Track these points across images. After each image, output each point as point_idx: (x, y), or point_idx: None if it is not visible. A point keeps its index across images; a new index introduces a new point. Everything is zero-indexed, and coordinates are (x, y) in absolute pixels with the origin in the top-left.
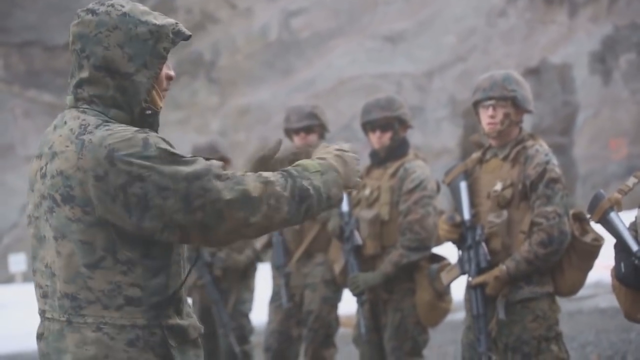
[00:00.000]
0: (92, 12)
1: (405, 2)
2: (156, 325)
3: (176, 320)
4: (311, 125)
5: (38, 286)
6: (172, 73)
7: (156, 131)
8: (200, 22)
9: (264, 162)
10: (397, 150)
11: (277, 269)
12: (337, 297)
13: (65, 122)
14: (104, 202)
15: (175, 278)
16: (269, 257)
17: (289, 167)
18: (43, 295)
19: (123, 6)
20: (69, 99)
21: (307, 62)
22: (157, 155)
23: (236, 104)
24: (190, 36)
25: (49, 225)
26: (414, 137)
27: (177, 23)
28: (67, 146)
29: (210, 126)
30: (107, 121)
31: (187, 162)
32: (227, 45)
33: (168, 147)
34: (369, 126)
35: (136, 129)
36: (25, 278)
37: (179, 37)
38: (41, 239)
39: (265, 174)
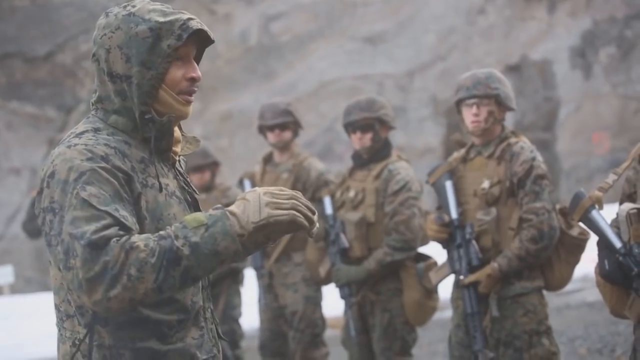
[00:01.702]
0: (106, 14)
1: (384, 3)
2: (123, 346)
3: (149, 344)
4: (285, 122)
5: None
6: (194, 74)
7: (168, 141)
8: None
9: None
10: (380, 151)
11: (255, 270)
12: (319, 296)
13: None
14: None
15: (158, 302)
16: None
17: (173, 225)
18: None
19: (134, 6)
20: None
21: (288, 66)
22: (74, 195)
23: (218, 109)
24: (204, 32)
25: (44, 234)
26: (397, 137)
27: (189, 19)
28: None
29: (192, 132)
30: (96, 129)
31: (88, 217)
32: (207, 51)
33: (87, 197)
34: (350, 127)
35: (88, 155)
36: (13, 290)
37: (186, 32)
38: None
39: (137, 237)
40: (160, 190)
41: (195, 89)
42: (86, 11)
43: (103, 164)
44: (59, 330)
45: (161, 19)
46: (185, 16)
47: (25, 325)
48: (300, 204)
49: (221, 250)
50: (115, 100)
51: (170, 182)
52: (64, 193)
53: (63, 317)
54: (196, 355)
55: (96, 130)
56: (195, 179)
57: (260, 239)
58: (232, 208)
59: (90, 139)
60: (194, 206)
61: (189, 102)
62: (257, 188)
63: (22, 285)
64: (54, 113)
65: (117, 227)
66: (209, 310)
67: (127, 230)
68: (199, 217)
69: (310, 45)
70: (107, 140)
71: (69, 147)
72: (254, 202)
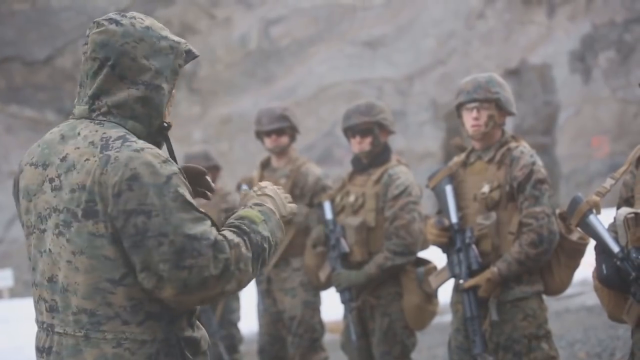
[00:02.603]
0: (116, 22)
1: (384, 7)
2: (173, 338)
3: (190, 333)
4: (282, 128)
5: (41, 299)
6: (175, 91)
7: (170, 146)
8: (180, 33)
9: None
10: (379, 156)
11: None
12: (317, 301)
13: (79, 134)
14: (112, 220)
15: None
16: None
17: (236, 222)
18: (50, 310)
19: (144, 20)
20: (80, 109)
21: (288, 70)
22: (172, 198)
23: (218, 113)
24: (198, 56)
25: (65, 239)
26: (397, 141)
27: (186, 43)
28: (88, 159)
29: (192, 136)
30: (126, 135)
31: (195, 219)
32: (207, 55)
33: (186, 195)
34: (349, 132)
35: (163, 158)
36: (12, 294)
37: (190, 56)
38: (45, 252)
39: (228, 234)
40: None
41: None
42: (85, 15)
43: (177, 166)
44: (85, 335)
45: (175, 39)
46: (182, 39)
47: (25, 329)
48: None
49: (278, 241)
50: (135, 107)
51: None
52: (158, 196)
53: (101, 321)
54: (209, 342)
55: (127, 134)
56: None
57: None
58: (269, 206)
59: (144, 143)
60: None
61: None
62: (266, 182)
63: (22, 289)
64: (54, 117)
65: (214, 226)
66: None
67: (215, 225)
68: (256, 213)
69: (310, 49)
70: (151, 145)
71: (136, 150)
72: (277, 198)
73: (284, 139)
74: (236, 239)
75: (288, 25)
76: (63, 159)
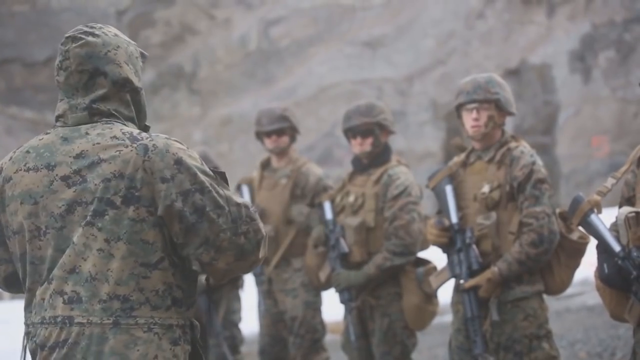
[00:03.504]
0: (91, 34)
1: (383, 8)
2: (187, 325)
3: (196, 322)
4: (283, 128)
5: (56, 293)
6: None
7: None
8: (180, 34)
9: None
10: (380, 156)
11: (255, 277)
12: (318, 301)
13: (87, 133)
14: (165, 203)
15: (196, 282)
16: None
17: None
18: (68, 301)
19: (110, 29)
20: (77, 117)
21: (288, 71)
22: (212, 176)
23: (218, 114)
24: (147, 56)
25: (95, 228)
26: (397, 141)
27: (135, 45)
28: (120, 150)
29: (192, 137)
30: (141, 132)
31: (233, 192)
32: (207, 56)
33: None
34: (350, 133)
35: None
36: (13, 296)
37: (143, 57)
38: (72, 246)
39: None
40: None
41: None
42: (85, 16)
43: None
44: (114, 322)
45: (134, 43)
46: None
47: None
48: None
49: None
50: (130, 109)
51: None
52: (203, 174)
53: (133, 306)
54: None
55: (142, 132)
56: None
57: None
58: None
59: (162, 136)
60: None
61: None
62: None
63: None
64: (54, 118)
65: None
66: None
67: None
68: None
69: (309, 49)
70: None
71: (167, 138)
72: None
73: (284, 140)
74: None
75: (288, 25)
76: (78, 156)
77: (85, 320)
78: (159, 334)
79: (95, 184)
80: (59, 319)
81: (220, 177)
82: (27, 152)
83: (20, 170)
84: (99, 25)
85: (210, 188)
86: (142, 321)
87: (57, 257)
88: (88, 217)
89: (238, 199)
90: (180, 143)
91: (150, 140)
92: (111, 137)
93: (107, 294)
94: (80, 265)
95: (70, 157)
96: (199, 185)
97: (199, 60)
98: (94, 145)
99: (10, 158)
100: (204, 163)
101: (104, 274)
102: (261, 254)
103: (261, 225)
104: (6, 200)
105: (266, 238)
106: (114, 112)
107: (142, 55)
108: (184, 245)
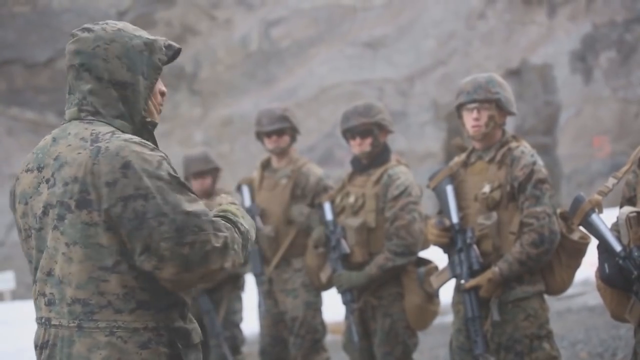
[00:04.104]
0: (88, 30)
1: (384, 8)
2: (164, 327)
3: (181, 324)
4: (283, 128)
5: (41, 295)
6: (164, 89)
7: (155, 144)
8: (181, 35)
9: None
10: (379, 156)
11: (255, 277)
12: (319, 301)
13: (69, 133)
14: (103, 207)
15: None
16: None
17: (221, 213)
18: (48, 303)
19: (116, 24)
20: (70, 112)
21: (288, 71)
22: (167, 180)
23: (219, 115)
24: (180, 49)
25: (59, 232)
26: (398, 142)
27: (166, 39)
28: (80, 153)
29: (193, 138)
30: (115, 131)
31: (191, 199)
32: (207, 56)
33: (179, 176)
34: (348, 133)
35: (151, 147)
36: (14, 296)
37: (170, 50)
38: (46, 249)
39: (220, 219)
40: None
41: (163, 102)
42: (86, 17)
43: (163, 154)
44: (78, 325)
45: (149, 36)
46: (162, 37)
47: (27, 331)
48: None
49: (253, 239)
50: (119, 106)
51: None
52: (152, 180)
53: (94, 310)
54: (201, 335)
55: (116, 130)
56: (196, 185)
57: None
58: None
59: (131, 135)
60: None
61: (160, 112)
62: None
63: (24, 291)
64: (55, 119)
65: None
66: None
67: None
68: (236, 210)
69: (310, 50)
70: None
71: (125, 140)
72: (248, 219)
73: (285, 140)
74: (228, 223)
75: (288, 26)
76: (56, 158)
77: (58, 323)
78: (122, 338)
79: (59, 187)
80: (43, 320)
81: (176, 182)
82: (33, 152)
83: (24, 170)
84: (106, 22)
85: (156, 194)
86: (103, 325)
87: (39, 258)
88: (55, 221)
89: (191, 207)
90: (144, 145)
91: (106, 143)
92: (80, 139)
93: (70, 297)
94: (53, 268)
95: (52, 159)
96: (143, 190)
97: (200, 60)
98: (67, 147)
99: (26, 157)
100: (163, 166)
101: (67, 278)
102: (218, 264)
103: (220, 235)
104: (15, 199)
105: (225, 248)
106: (100, 109)
107: (169, 48)
108: (130, 251)
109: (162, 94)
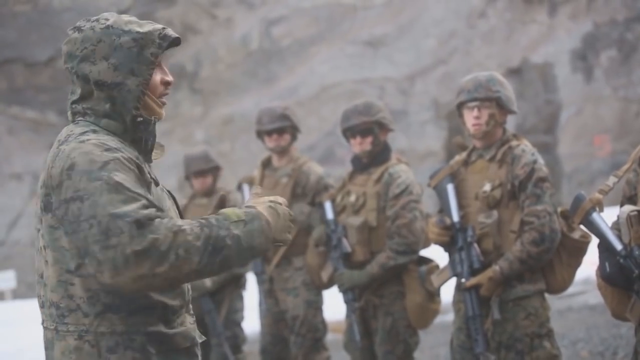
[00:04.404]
0: (78, 29)
1: (385, 7)
2: (135, 331)
3: (159, 328)
4: (283, 127)
5: (38, 296)
6: (169, 78)
7: (152, 140)
8: (181, 34)
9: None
10: (380, 155)
11: (256, 276)
12: (319, 300)
13: (59, 135)
14: (49, 209)
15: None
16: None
17: (211, 215)
18: (41, 305)
19: (107, 19)
20: (68, 114)
21: (289, 70)
22: (105, 181)
23: (220, 113)
24: (178, 38)
25: (41, 235)
26: (398, 140)
27: (164, 28)
28: (50, 156)
29: (194, 137)
30: (94, 130)
31: (126, 199)
32: (208, 55)
33: (119, 177)
34: (349, 132)
35: (106, 147)
36: (15, 295)
37: (165, 41)
38: (38, 251)
39: (181, 221)
40: (157, 184)
41: (169, 92)
42: (87, 15)
43: (121, 154)
44: (55, 328)
45: (141, 30)
46: (159, 26)
47: (28, 331)
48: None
49: (256, 246)
50: (106, 106)
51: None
52: (90, 181)
53: (64, 313)
54: (195, 339)
55: (94, 131)
56: (197, 184)
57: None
58: (264, 212)
59: (98, 136)
60: (176, 204)
61: (164, 104)
62: (282, 202)
63: (24, 290)
64: (55, 118)
65: (154, 209)
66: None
67: (160, 211)
68: (238, 212)
69: (311, 49)
70: (111, 138)
71: (81, 142)
72: (283, 221)
73: (285, 139)
74: (185, 226)
75: (289, 25)
76: (45, 162)
77: (46, 325)
78: (90, 342)
79: (39, 190)
80: (42, 322)
81: (114, 182)
82: None
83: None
84: (98, 17)
85: (91, 196)
86: (73, 328)
87: (35, 260)
88: (39, 224)
89: (118, 209)
90: (99, 145)
91: (67, 144)
92: (57, 141)
93: (49, 300)
94: (42, 271)
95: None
96: (81, 192)
97: (201, 59)
98: (51, 149)
99: None
100: (107, 167)
101: (47, 281)
102: (146, 268)
103: (149, 237)
104: None
105: (151, 251)
106: (87, 110)
107: (164, 38)
108: (77, 255)
109: (167, 84)
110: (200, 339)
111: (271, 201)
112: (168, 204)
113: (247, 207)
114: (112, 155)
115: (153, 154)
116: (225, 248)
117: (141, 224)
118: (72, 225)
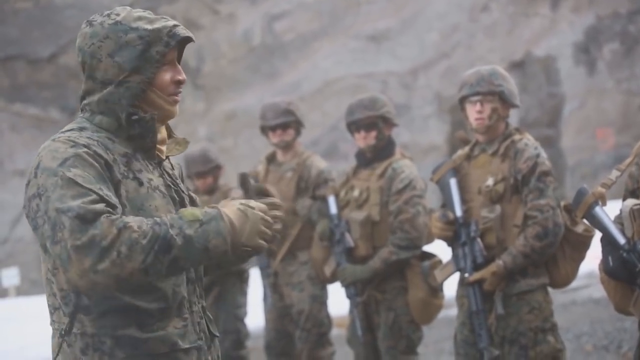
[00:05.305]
0: (90, 23)
1: (387, 1)
2: (104, 334)
3: (131, 332)
4: (287, 122)
5: None
6: (180, 77)
7: (152, 137)
8: None
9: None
10: (384, 150)
11: (261, 270)
12: (324, 294)
13: None
14: (24, 209)
15: (139, 289)
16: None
17: (169, 214)
18: None
19: (118, 14)
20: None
21: (292, 65)
22: (61, 177)
23: (222, 109)
24: (188, 37)
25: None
26: (401, 135)
27: (175, 25)
28: None
29: (197, 133)
30: (82, 128)
31: (76, 194)
32: (211, 51)
33: (76, 172)
34: (353, 127)
35: (72, 143)
36: (19, 292)
37: (174, 39)
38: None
39: (131, 219)
40: (142, 183)
41: (181, 90)
42: (89, 12)
43: (85, 149)
44: (51, 325)
45: (149, 27)
46: (170, 23)
47: (31, 327)
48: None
49: (211, 248)
50: (102, 103)
51: (154, 178)
52: (49, 177)
53: (51, 311)
54: (177, 344)
55: (81, 129)
56: (199, 184)
57: (241, 255)
58: (230, 215)
59: (74, 133)
60: (181, 204)
61: (176, 102)
62: (256, 206)
63: (28, 287)
64: (58, 115)
65: (103, 204)
66: (198, 305)
67: (113, 207)
68: (195, 212)
69: (314, 44)
70: (90, 135)
71: (53, 140)
72: (253, 225)
73: (289, 134)
74: (133, 223)
75: (292, 20)
76: None
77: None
78: (67, 342)
79: None
80: None
81: (67, 178)
82: None
83: None
84: (110, 11)
85: (45, 192)
86: (57, 327)
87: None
88: None
89: (64, 203)
90: (67, 142)
91: (46, 142)
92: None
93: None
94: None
95: None
96: (42, 189)
97: (203, 55)
98: None
99: None
100: (67, 163)
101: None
102: (88, 263)
103: (90, 232)
104: None
105: (92, 246)
106: (86, 106)
107: (173, 36)
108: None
109: (178, 82)
110: (197, 342)
111: (242, 204)
112: (156, 202)
113: (209, 207)
114: (75, 150)
115: (172, 149)
116: (175, 248)
117: (84, 219)
118: (33, 222)
